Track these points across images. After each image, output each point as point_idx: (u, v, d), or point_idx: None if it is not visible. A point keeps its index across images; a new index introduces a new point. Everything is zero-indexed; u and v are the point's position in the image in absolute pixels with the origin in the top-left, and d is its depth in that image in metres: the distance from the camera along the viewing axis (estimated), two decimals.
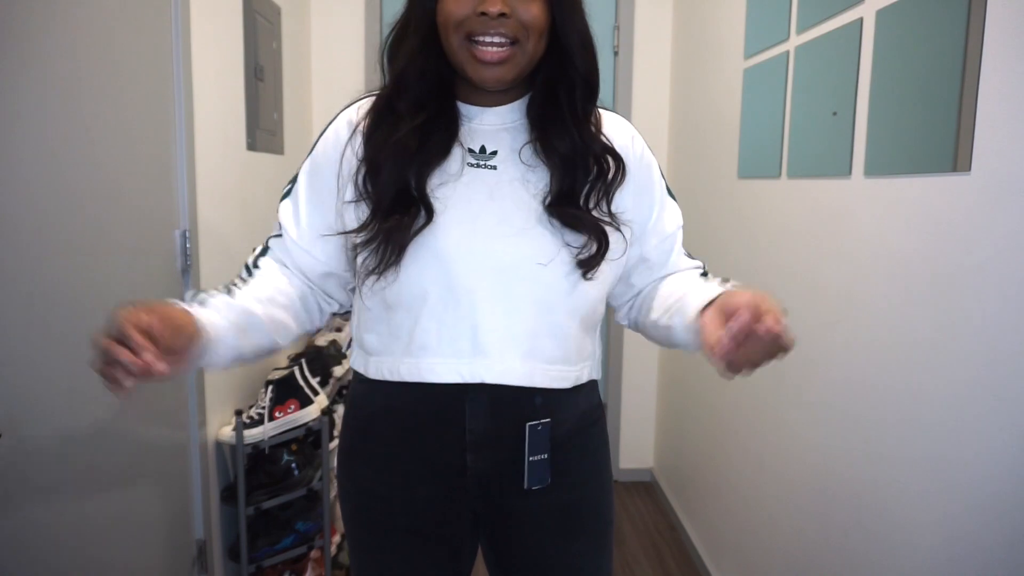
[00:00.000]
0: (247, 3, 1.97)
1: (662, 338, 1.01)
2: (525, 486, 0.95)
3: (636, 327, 1.09)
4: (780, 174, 1.78)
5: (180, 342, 0.79)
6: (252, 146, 2.03)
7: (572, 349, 0.96)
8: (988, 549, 1.07)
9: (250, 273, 0.98)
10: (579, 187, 0.91)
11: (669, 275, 1.04)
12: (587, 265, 0.91)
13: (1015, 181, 1.02)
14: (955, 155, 1.12)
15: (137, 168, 1.45)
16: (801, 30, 1.67)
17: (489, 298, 0.90)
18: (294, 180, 1.00)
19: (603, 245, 0.91)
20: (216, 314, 0.88)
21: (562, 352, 0.95)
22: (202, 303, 0.89)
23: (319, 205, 0.97)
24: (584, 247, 0.91)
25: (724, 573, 2.20)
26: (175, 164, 1.60)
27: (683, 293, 0.96)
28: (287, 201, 1.00)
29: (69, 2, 1.22)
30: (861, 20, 1.39)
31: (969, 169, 1.10)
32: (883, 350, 1.33)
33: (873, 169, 1.36)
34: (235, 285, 0.95)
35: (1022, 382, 1.01)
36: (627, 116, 2.88)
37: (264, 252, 1.01)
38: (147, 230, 1.51)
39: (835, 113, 1.48)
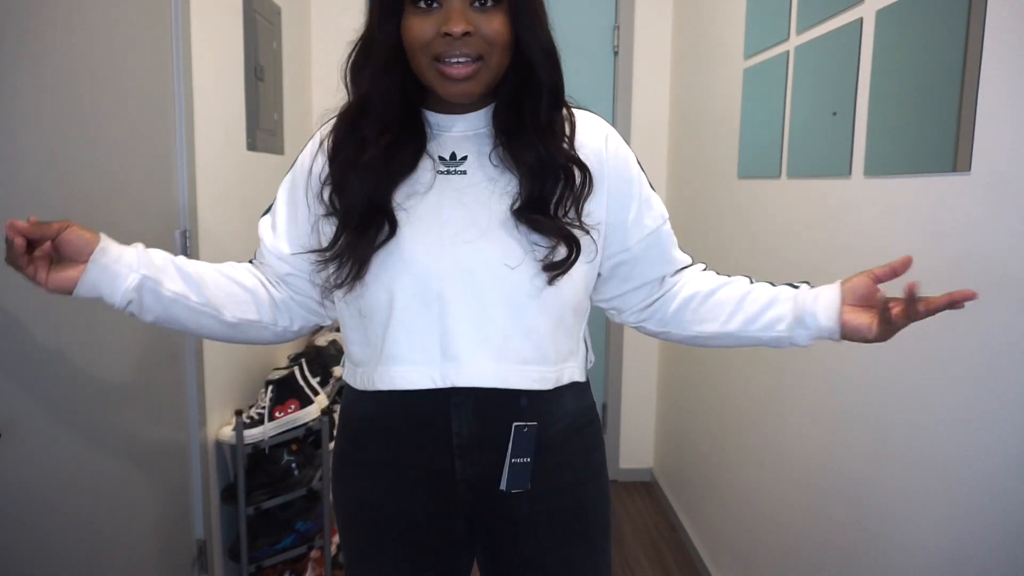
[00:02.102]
0: (247, 3, 1.97)
1: (733, 343, 1.03)
2: (503, 487, 0.94)
3: (665, 328, 1.06)
4: (780, 174, 1.78)
5: (71, 242, 0.87)
6: (252, 146, 2.03)
7: (548, 350, 0.95)
8: (988, 549, 1.07)
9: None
10: (548, 195, 0.91)
11: (681, 271, 1.05)
12: (554, 269, 0.90)
13: (1015, 181, 1.02)
14: (955, 155, 1.12)
15: (137, 168, 1.45)
16: (801, 30, 1.67)
17: (458, 301, 0.90)
18: (275, 199, 1.03)
19: (573, 251, 0.91)
20: (138, 249, 0.93)
21: (537, 353, 0.94)
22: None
23: (294, 219, 1.00)
24: (552, 250, 0.90)
25: (724, 573, 2.20)
26: (175, 164, 1.60)
27: (769, 300, 0.99)
28: (266, 217, 1.03)
29: (69, 2, 1.22)
30: (861, 20, 1.39)
31: (969, 169, 1.10)
32: (883, 350, 1.33)
33: (873, 169, 1.36)
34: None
35: (1022, 382, 1.01)
36: (627, 116, 2.89)
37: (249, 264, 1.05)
38: (147, 230, 1.51)
39: (835, 113, 1.48)
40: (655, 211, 1.02)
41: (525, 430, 0.94)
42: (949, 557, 1.15)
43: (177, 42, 1.58)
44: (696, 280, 1.04)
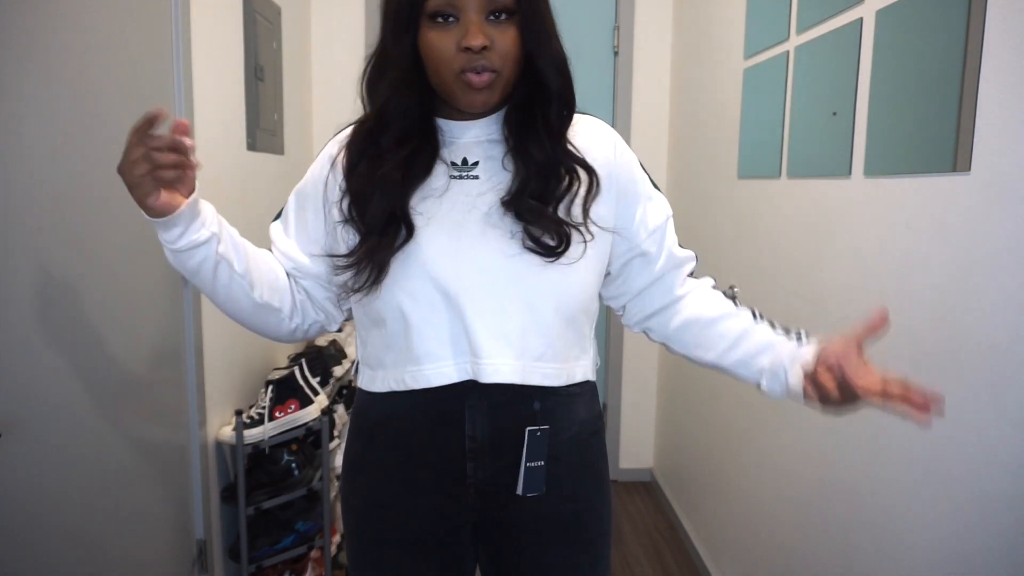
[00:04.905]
0: (247, 3, 1.97)
1: (720, 370, 1.05)
2: (519, 492, 0.95)
3: (666, 341, 1.09)
4: (780, 174, 1.78)
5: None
6: (252, 146, 2.03)
7: (559, 347, 0.97)
8: (988, 548, 1.07)
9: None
10: (549, 192, 0.94)
11: (688, 283, 1.05)
12: (547, 253, 0.92)
13: (1015, 181, 1.02)
14: (955, 155, 1.12)
15: None
16: (801, 30, 1.67)
17: (478, 300, 0.92)
18: (285, 205, 1.05)
19: (562, 243, 0.92)
20: (210, 205, 0.93)
21: (550, 350, 0.96)
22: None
23: (304, 226, 1.02)
24: (539, 238, 0.93)
25: (724, 573, 2.20)
26: None
27: (763, 345, 0.99)
28: (277, 223, 1.05)
29: (69, 2, 1.22)
30: (861, 20, 1.39)
31: (969, 169, 1.10)
32: (883, 350, 1.33)
33: (873, 169, 1.36)
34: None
35: (1022, 381, 1.01)
36: (627, 116, 2.89)
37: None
38: (147, 230, 1.50)
39: (835, 113, 1.48)
40: (659, 210, 1.03)
41: (538, 434, 0.95)
42: (948, 557, 1.15)
43: (177, 42, 1.58)
44: (702, 301, 1.04)
